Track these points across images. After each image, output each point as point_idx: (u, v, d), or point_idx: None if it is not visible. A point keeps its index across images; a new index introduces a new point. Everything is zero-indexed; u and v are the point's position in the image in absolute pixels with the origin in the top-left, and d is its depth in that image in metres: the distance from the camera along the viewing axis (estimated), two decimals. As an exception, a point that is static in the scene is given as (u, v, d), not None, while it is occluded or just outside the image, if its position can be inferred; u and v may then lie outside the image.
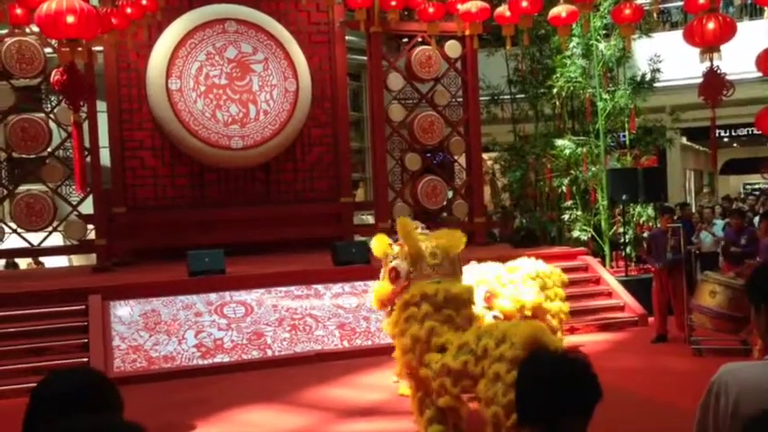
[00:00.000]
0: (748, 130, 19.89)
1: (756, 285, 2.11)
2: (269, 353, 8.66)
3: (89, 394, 1.70)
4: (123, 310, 8.82)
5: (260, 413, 6.69)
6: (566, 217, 13.60)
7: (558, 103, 13.89)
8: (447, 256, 5.60)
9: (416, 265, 5.58)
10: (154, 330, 8.63)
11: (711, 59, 5.59)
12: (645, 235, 11.15)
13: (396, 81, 12.99)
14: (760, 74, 6.38)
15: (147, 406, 6.90)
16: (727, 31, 5.56)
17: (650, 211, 12.78)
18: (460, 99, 13.46)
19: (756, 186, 24.51)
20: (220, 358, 8.47)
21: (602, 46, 12.83)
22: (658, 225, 10.19)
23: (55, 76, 8.96)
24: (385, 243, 6.02)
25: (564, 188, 13.53)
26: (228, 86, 12.11)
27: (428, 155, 13.59)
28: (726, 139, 22.63)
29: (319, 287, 9.70)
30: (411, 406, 5.44)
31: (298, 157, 12.98)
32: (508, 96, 14.82)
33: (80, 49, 7.49)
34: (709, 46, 5.60)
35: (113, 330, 8.53)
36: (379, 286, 6.13)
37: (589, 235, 13.12)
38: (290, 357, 8.62)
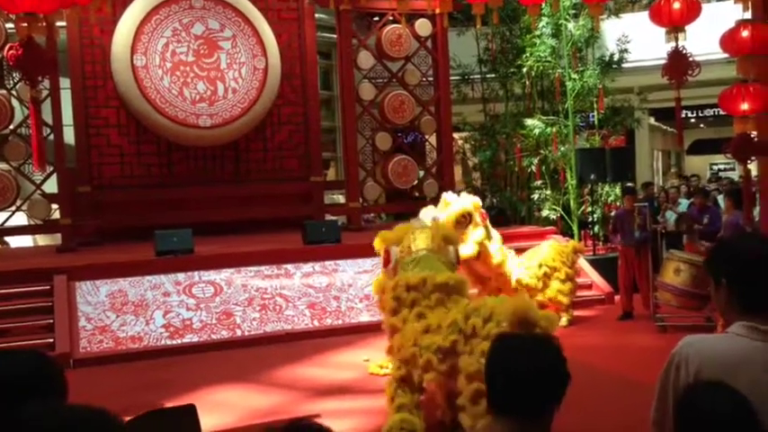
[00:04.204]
0: (714, 111, 20.17)
1: (715, 261, 2.14)
2: (238, 333, 8.63)
3: (31, 377, 1.66)
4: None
5: (230, 393, 6.67)
6: (535, 196, 13.70)
7: (527, 82, 13.92)
8: (441, 244, 5.77)
9: (403, 245, 5.84)
10: (121, 311, 8.55)
11: (677, 39, 5.64)
12: (612, 214, 11.29)
13: (366, 60, 12.91)
14: (726, 55, 6.44)
15: (114, 387, 6.86)
16: (693, 12, 5.61)
17: (618, 190, 12.92)
18: (431, 78, 13.43)
19: (721, 167, 24.94)
20: (189, 338, 8.42)
21: (571, 26, 12.85)
22: (622, 205, 10.35)
23: (9, 50, 8.68)
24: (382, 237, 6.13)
25: (533, 168, 13.61)
26: (196, 63, 11.92)
27: (399, 134, 13.57)
28: (692, 120, 22.93)
29: (289, 267, 9.66)
30: (386, 388, 5.45)
31: (267, 136, 12.86)
32: (478, 76, 14.81)
33: (41, 24, 7.29)
34: (675, 26, 5.64)
35: (79, 311, 8.43)
36: (377, 280, 6.35)
37: (558, 214, 13.23)
38: (260, 337, 8.61)
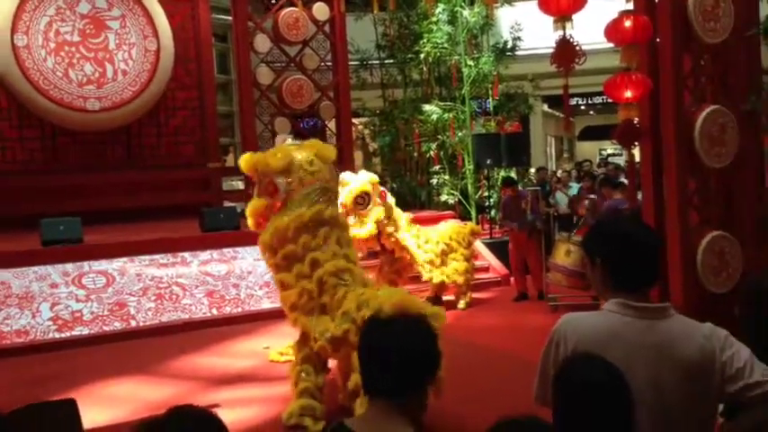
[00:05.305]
0: (603, 99, 21.09)
1: (591, 241, 2.24)
2: (133, 323, 8.36)
3: None
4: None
5: (124, 386, 6.44)
6: (434, 181, 13.93)
7: (425, 68, 14.10)
8: (324, 163, 5.60)
9: (293, 175, 5.45)
10: (4, 304, 8.09)
11: (564, 28, 5.86)
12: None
13: (263, 43, 12.68)
14: (611, 44, 6.73)
15: (-3, 384, 6.51)
16: (580, 1, 5.83)
17: (513, 174, 13.33)
18: (330, 63, 13.36)
19: (610, 152, 26.16)
20: (79, 331, 8.07)
21: (466, 13, 13.09)
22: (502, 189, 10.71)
23: None
24: (253, 159, 5.59)
25: (432, 153, 13.83)
26: (82, 44, 11.36)
27: (298, 119, 13.45)
28: (582, 107, 23.93)
29: (186, 254, 9.42)
30: (290, 374, 5.41)
31: (161, 121, 12.46)
32: (377, 61, 14.88)
33: None
34: (563, 15, 5.85)
35: (-43, 306, 7.93)
36: (252, 204, 5.70)
37: (456, 199, 13.51)
38: (156, 327, 8.36)
